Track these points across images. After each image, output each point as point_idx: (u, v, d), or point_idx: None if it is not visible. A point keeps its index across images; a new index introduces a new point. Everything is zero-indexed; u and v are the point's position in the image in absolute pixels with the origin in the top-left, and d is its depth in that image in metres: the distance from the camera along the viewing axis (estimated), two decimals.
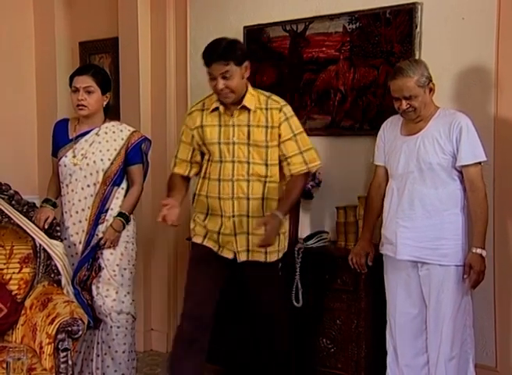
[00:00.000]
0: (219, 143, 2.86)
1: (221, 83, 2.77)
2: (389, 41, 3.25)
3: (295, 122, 2.88)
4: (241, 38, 3.73)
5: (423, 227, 2.77)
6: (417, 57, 3.17)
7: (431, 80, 2.78)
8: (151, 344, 4.23)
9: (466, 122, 2.73)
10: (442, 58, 3.15)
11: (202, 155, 2.97)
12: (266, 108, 2.85)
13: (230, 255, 2.90)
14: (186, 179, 3.03)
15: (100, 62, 4.38)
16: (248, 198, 2.84)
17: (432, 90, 2.79)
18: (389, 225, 2.88)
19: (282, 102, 2.89)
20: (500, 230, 3.05)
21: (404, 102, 2.76)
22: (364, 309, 3.08)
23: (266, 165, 2.86)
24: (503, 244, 3.04)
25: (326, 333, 3.20)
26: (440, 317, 2.77)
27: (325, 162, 3.52)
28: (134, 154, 3.26)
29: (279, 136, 2.85)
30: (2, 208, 3.12)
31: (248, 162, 2.84)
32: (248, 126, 2.84)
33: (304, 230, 3.51)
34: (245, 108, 2.84)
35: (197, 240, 2.97)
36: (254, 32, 3.70)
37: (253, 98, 2.86)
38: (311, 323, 3.24)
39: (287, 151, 2.86)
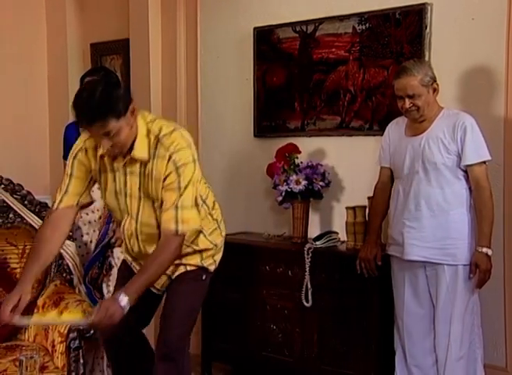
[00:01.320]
0: (115, 192, 2.45)
1: (107, 144, 2.27)
2: (398, 41, 3.26)
3: (185, 171, 2.34)
4: (251, 39, 3.75)
5: (429, 227, 2.77)
6: (426, 58, 3.18)
7: (435, 81, 2.79)
8: None
9: (470, 121, 2.74)
10: (452, 58, 3.15)
11: None
12: (154, 156, 2.35)
13: None
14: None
15: (111, 64, 4.41)
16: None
17: (435, 90, 2.80)
18: (395, 226, 2.89)
19: (171, 139, 2.35)
20: (510, 230, 3.05)
21: (407, 101, 2.77)
22: (373, 309, 3.09)
23: (158, 226, 2.40)
24: None
25: (336, 333, 3.21)
26: (448, 317, 2.77)
27: (335, 162, 3.54)
28: None
29: (163, 187, 2.35)
30: (15, 208, 3.15)
31: (136, 220, 2.45)
32: (139, 175, 2.39)
33: (314, 230, 3.51)
34: (135, 159, 2.36)
35: None
36: (264, 33, 3.72)
37: (144, 143, 2.35)
38: (320, 323, 3.25)
39: (164, 203, 2.35)
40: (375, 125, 3.37)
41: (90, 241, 3.24)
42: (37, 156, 4.59)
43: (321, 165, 3.46)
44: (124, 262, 2.71)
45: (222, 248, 2.69)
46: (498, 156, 3.02)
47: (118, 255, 3.22)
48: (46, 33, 4.62)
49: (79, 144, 2.49)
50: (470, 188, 2.77)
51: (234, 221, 3.87)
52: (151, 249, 2.43)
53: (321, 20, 3.50)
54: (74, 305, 2.79)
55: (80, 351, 2.65)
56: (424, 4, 3.17)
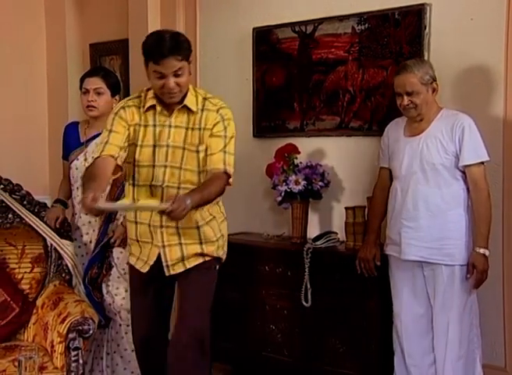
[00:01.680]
0: (154, 146, 2.60)
1: (172, 82, 2.49)
2: (397, 41, 3.26)
3: (230, 126, 2.61)
4: (250, 39, 3.76)
5: (427, 227, 2.78)
6: (425, 58, 3.18)
7: (435, 80, 2.81)
8: None
9: (468, 122, 2.75)
10: (451, 58, 3.15)
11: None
12: (202, 109, 2.61)
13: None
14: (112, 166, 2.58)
15: (110, 64, 4.41)
16: None
17: (435, 90, 2.81)
18: (393, 226, 2.90)
19: (220, 103, 2.66)
20: (509, 230, 3.05)
21: (406, 98, 2.78)
22: (372, 309, 3.09)
23: (198, 172, 2.61)
24: None
25: (335, 333, 3.21)
26: (446, 317, 2.77)
27: (334, 162, 3.54)
28: None
29: (210, 134, 2.58)
30: (14, 209, 3.15)
31: (180, 168, 2.59)
32: (186, 128, 2.60)
33: (313, 231, 3.52)
34: (186, 108, 2.59)
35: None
36: (264, 33, 3.72)
37: (193, 98, 2.61)
38: (319, 323, 3.25)
39: (210, 148, 2.58)
40: (375, 125, 3.38)
41: (90, 241, 3.24)
42: (37, 156, 4.59)
43: (321, 165, 3.46)
44: (133, 271, 2.75)
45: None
46: (497, 156, 3.02)
47: (117, 255, 3.22)
48: (45, 33, 4.62)
49: (121, 104, 2.68)
50: (468, 189, 2.78)
51: (234, 221, 3.86)
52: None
53: (320, 20, 3.51)
54: (73, 305, 2.79)
55: (80, 351, 2.65)
56: (423, 4, 3.18)
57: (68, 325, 2.67)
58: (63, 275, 3.11)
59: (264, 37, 3.73)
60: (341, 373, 3.20)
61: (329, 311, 3.22)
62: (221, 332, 3.59)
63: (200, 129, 2.59)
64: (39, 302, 3.02)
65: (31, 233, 3.13)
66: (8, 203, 3.14)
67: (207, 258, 2.69)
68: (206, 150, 2.58)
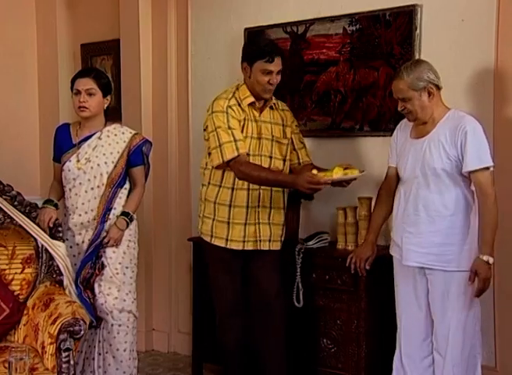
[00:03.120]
0: (251, 137, 3.07)
1: (276, 79, 3.02)
2: (389, 42, 3.27)
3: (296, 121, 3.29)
4: (242, 40, 3.76)
5: (427, 233, 2.73)
6: (416, 59, 3.18)
7: (432, 83, 2.71)
8: (153, 344, 4.24)
9: (472, 126, 2.66)
10: (442, 59, 3.15)
11: None
12: (280, 109, 3.20)
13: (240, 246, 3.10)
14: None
15: (101, 64, 4.40)
16: (272, 190, 3.09)
17: (431, 93, 2.71)
18: (396, 229, 2.87)
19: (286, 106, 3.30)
20: (501, 231, 3.05)
21: (400, 104, 2.76)
22: (364, 309, 3.09)
23: (283, 160, 3.15)
24: (503, 245, 3.04)
25: (327, 333, 3.22)
26: (446, 324, 2.72)
27: (326, 163, 3.54)
28: (136, 156, 3.28)
29: (291, 131, 3.20)
30: (5, 209, 3.13)
31: (271, 157, 3.10)
32: (271, 123, 3.12)
33: (305, 231, 3.52)
34: (269, 105, 3.13)
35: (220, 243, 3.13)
36: (255, 34, 3.72)
37: (273, 97, 3.16)
38: (311, 324, 3.25)
39: (296, 143, 3.23)
40: (366, 126, 3.39)
41: (82, 241, 3.23)
42: (28, 157, 4.57)
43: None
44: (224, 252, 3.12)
45: None
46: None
47: (110, 255, 3.22)
48: (36, 33, 4.61)
49: (224, 103, 3.05)
50: (470, 194, 2.72)
51: None
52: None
53: (311, 21, 3.52)
54: (64, 306, 2.78)
55: (71, 352, 2.64)
56: (414, 5, 3.19)
57: (59, 326, 2.66)
58: (54, 276, 3.10)
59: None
60: (333, 373, 3.20)
61: (321, 311, 3.22)
62: (212, 333, 3.58)
63: (282, 125, 3.16)
64: (30, 303, 3.01)
65: (22, 234, 3.12)
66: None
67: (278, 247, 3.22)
68: (288, 144, 3.17)
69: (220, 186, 3.09)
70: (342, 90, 3.44)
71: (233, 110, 3.04)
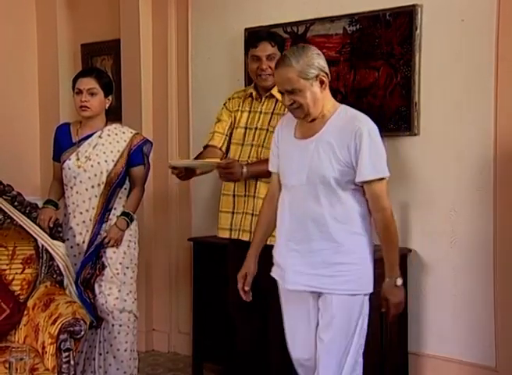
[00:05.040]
0: (245, 127, 3.06)
1: (265, 64, 2.96)
2: (389, 42, 3.27)
3: None
4: (242, 40, 3.75)
5: (318, 251, 2.31)
6: (416, 58, 3.19)
7: (323, 71, 2.30)
8: (153, 345, 4.24)
9: (368, 128, 2.28)
10: (442, 59, 3.17)
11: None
12: None
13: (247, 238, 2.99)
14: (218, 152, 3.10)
15: (102, 64, 4.41)
16: (257, 180, 2.95)
17: (323, 83, 2.30)
18: (279, 247, 2.44)
19: None
20: (502, 226, 3.05)
21: (287, 97, 2.30)
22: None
23: None
24: (504, 242, 3.04)
25: None
26: (326, 349, 2.34)
27: None
28: (136, 156, 3.28)
29: None
30: (5, 209, 3.14)
31: (263, 146, 2.98)
32: (272, 113, 3.02)
33: None
34: (273, 96, 3.02)
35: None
36: (255, 34, 3.71)
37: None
38: None
39: None
40: None
41: (83, 242, 3.23)
42: (28, 157, 4.58)
43: None
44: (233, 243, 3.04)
45: None
46: (488, 156, 3.04)
47: (110, 255, 3.22)
48: (36, 33, 4.61)
49: (228, 97, 3.16)
50: (366, 205, 2.34)
51: None
52: None
53: (311, 21, 3.51)
54: (64, 306, 2.78)
55: (71, 352, 2.65)
56: (414, 5, 3.19)
57: (59, 326, 2.66)
58: (54, 276, 3.10)
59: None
60: None
61: None
62: (212, 333, 3.59)
63: (283, 115, 2.88)
64: (30, 303, 3.01)
65: (22, 234, 3.12)
66: None
67: None
68: None
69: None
70: (342, 90, 3.44)
71: (231, 102, 3.12)
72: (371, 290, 2.37)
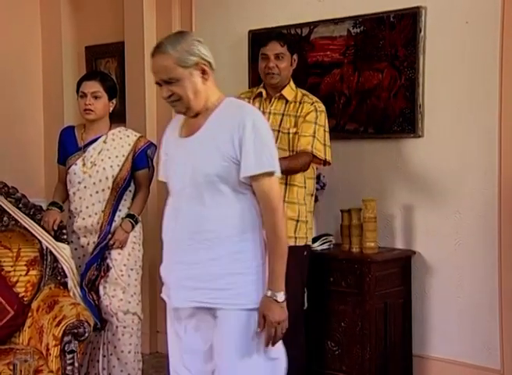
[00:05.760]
0: None
1: (272, 62, 3.02)
2: (393, 44, 3.27)
3: (322, 116, 3.07)
4: (246, 42, 3.76)
5: (206, 261, 2.04)
6: (421, 60, 3.19)
7: (205, 59, 2.08)
8: (157, 347, 4.24)
9: (253, 119, 2.03)
10: (446, 61, 3.16)
11: None
12: (300, 102, 3.09)
13: None
14: None
15: (106, 67, 4.41)
16: None
17: (205, 72, 2.07)
18: (164, 261, 2.21)
19: (316, 99, 3.11)
20: (506, 228, 3.05)
21: (164, 89, 2.07)
22: (368, 312, 3.09)
23: (291, 151, 3.05)
24: (509, 244, 3.03)
25: (331, 335, 3.21)
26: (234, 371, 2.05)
27: (330, 165, 3.54)
28: (141, 159, 3.29)
29: (303, 120, 3.04)
30: (9, 212, 3.14)
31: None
32: (282, 114, 3.08)
33: None
34: (283, 97, 3.08)
35: None
36: (259, 36, 3.72)
37: (292, 91, 3.11)
38: (316, 326, 3.25)
39: (301, 130, 3.04)
40: (370, 128, 3.38)
41: (88, 243, 3.23)
42: (32, 159, 4.58)
43: (317, 167, 3.46)
44: None
45: None
46: (492, 157, 3.04)
47: (115, 257, 3.22)
48: (41, 36, 4.62)
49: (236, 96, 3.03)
50: (259, 207, 2.09)
51: None
52: None
53: (315, 23, 3.51)
54: (69, 308, 2.78)
55: (75, 354, 2.65)
56: (418, 7, 3.19)
57: (63, 328, 2.66)
58: (59, 278, 3.11)
59: (259, 40, 3.72)
60: None
61: (325, 313, 3.22)
62: None
63: (295, 116, 3.06)
64: (34, 305, 3.01)
65: (27, 236, 3.13)
66: (4, 206, 3.14)
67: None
68: (296, 133, 3.03)
69: None
70: (346, 92, 3.44)
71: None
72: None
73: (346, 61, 3.43)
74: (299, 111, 3.07)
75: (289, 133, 3.06)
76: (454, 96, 3.15)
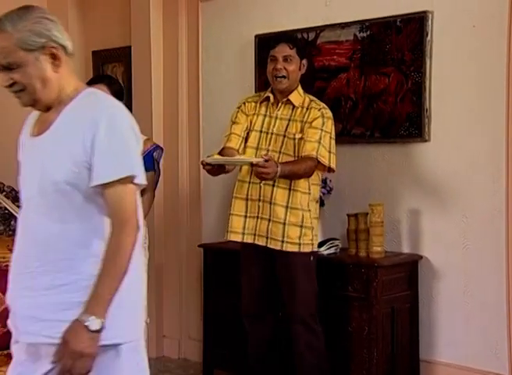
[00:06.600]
0: (260, 131, 3.08)
1: (280, 64, 3.00)
2: (399, 49, 3.26)
3: (328, 123, 3.03)
4: (252, 47, 3.77)
5: (56, 288, 1.66)
6: (427, 65, 3.18)
7: (56, 42, 1.70)
8: (163, 351, 4.24)
9: (108, 114, 1.67)
10: (453, 66, 3.16)
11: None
12: (307, 108, 3.06)
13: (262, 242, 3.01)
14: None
15: (113, 71, 4.43)
16: (273, 186, 2.98)
17: (57, 58, 1.70)
18: (9, 284, 1.77)
19: (323, 105, 3.09)
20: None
21: (4, 76, 1.71)
22: (375, 316, 3.08)
23: (296, 157, 3.01)
24: None
25: (338, 340, 3.20)
26: None
27: (336, 169, 3.53)
28: (146, 161, 3.26)
29: (309, 126, 3.01)
30: (17, 216, 3.14)
31: (280, 152, 3.02)
32: (289, 120, 3.06)
33: None
34: (290, 103, 3.06)
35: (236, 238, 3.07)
36: (266, 40, 3.72)
37: (299, 97, 3.08)
38: (322, 331, 3.24)
39: (307, 136, 3.00)
40: (377, 132, 3.38)
41: None
42: None
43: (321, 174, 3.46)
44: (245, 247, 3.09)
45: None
46: (499, 161, 3.03)
47: None
48: None
49: (243, 100, 3.21)
50: None
51: None
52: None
53: (322, 28, 3.52)
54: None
55: None
56: (425, 12, 3.18)
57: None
58: None
59: (266, 44, 3.72)
60: None
61: (332, 318, 3.21)
62: (223, 339, 3.58)
63: (302, 122, 3.04)
64: None
65: None
66: (11, 210, 3.15)
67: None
68: (301, 139, 3.00)
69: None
70: (352, 96, 3.43)
71: (247, 106, 3.14)
72: (137, 336, 1.73)
73: (352, 65, 3.43)
74: (305, 116, 3.04)
75: (294, 138, 3.03)
76: (461, 100, 3.15)
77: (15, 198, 3.20)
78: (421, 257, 3.27)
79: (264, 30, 3.72)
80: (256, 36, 3.76)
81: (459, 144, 3.17)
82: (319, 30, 3.53)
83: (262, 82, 3.76)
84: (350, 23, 3.41)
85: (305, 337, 3.01)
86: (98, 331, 1.59)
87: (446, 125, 3.20)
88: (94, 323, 1.59)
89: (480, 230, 3.11)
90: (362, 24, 3.37)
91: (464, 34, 3.12)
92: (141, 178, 1.69)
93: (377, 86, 3.35)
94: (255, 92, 3.78)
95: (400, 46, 3.26)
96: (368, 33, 3.36)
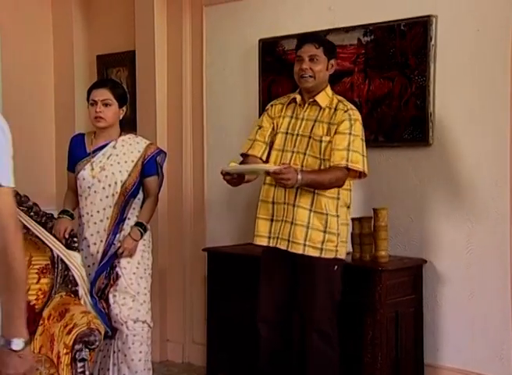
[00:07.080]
0: (286, 133, 3.02)
1: (306, 64, 2.94)
2: (403, 53, 3.26)
3: (356, 125, 2.94)
4: (256, 51, 3.77)
5: None
6: (432, 69, 3.18)
7: None
8: (167, 355, 4.24)
9: None
10: (457, 70, 3.16)
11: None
12: (334, 109, 2.98)
13: (283, 246, 2.95)
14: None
15: (117, 76, 4.44)
16: (298, 188, 2.89)
17: None
18: None
19: (351, 106, 3.00)
20: None
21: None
22: (379, 321, 3.07)
23: (322, 159, 2.93)
24: None
25: (342, 345, 3.19)
26: None
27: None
28: (150, 166, 3.30)
29: (335, 131, 2.92)
30: (21, 220, 3.14)
31: (305, 154, 2.96)
32: (314, 121, 2.99)
33: None
34: (316, 103, 2.99)
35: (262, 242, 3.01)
36: (270, 44, 3.73)
37: (327, 97, 3.01)
38: None
39: (334, 143, 2.91)
40: (381, 136, 3.38)
41: (97, 252, 3.24)
42: (44, 168, 4.61)
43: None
44: (265, 254, 3.05)
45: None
46: (503, 165, 3.02)
47: (124, 265, 3.23)
48: (52, 44, 4.65)
49: (271, 103, 3.17)
50: None
51: (239, 232, 3.88)
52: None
53: (326, 32, 3.51)
54: (79, 316, 2.79)
55: (86, 362, 2.65)
56: (429, 16, 3.18)
57: (74, 336, 2.66)
58: (70, 286, 3.11)
59: (270, 49, 3.74)
60: None
61: (336, 322, 3.20)
62: (226, 344, 3.58)
63: (329, 123, 2.95)
64: (45, 313, 3.01)
65: (38, 244, 3.13)
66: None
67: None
68: (329, 142, 2.92)
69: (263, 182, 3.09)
70: (356, 100, 3.43)
71: (273, 109, 3.10)
72: None
73: (356, 69, 3.43)
74: (332, 118, 2.95)
75: (321, 141, 2.93)
76: (465, 104, 3.14)
77: (19, 202, 3.19)
78: (425, 261, 3.26)
79: (269, 34, 3.73)
80: (260, 40, 3.77)
81: (463, 148, 3.17)
82: (323, 34, 3.52)
83: (266, 86, 3.77)
84: (354, 27, 3.42)
85: (320, 346, 2.95)
86: (22, 349, 1.56)
87: (450, 129, 3.19)
88: (16, 343, 1.55)
89: (484, 234, 3.11)
90: (366, 28, 3.38)
91: (467, 38, 3.12)
92: (7, 181, 1.59)
93: (381, 90, 3.35)
94: (259, 97, 3.80)
95: (403, 50, 3.26)
96: (372, 37, 3.36)
